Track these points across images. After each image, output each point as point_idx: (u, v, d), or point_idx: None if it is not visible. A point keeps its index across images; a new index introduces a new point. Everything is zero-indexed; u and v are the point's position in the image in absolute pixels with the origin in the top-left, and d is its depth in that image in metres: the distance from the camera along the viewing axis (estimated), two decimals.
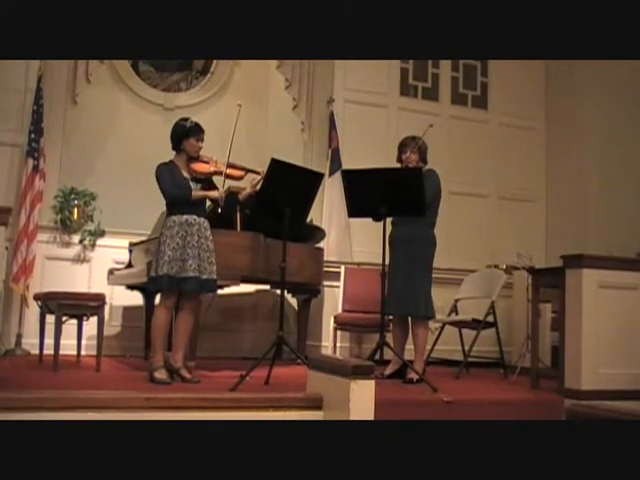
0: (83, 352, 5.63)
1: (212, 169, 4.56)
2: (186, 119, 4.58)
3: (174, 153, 4.57)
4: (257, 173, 4.69)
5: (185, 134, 4.50)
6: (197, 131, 4.52)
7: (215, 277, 4.50)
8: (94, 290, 5.90)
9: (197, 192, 4.47)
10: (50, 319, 5.17)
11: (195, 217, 4.45)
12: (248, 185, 4.75)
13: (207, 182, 4.60)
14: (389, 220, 4.94)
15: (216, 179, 4.64)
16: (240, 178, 4.70)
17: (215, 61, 7.78)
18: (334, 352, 6.21)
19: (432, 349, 5.85)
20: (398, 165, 5.12)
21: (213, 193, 4.51)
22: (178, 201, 4.44)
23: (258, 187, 4.67)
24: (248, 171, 4.71)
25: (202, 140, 4.55)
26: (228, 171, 4.57)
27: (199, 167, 4.53)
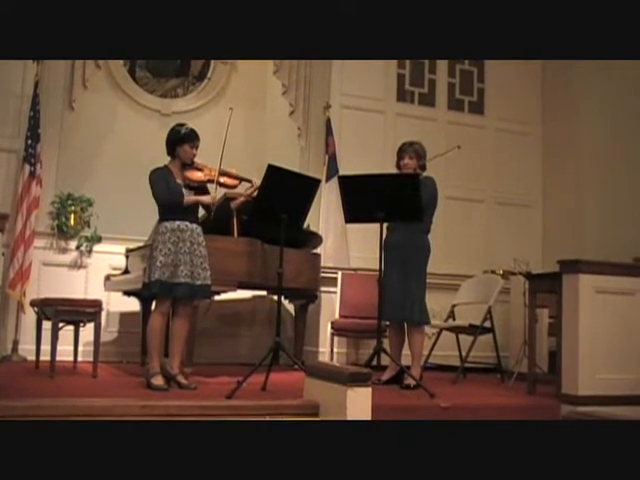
0: (80, 358, 5.62)
1: (205, 177, 4.56)
2: (182, 125, 4.58)
3: (169, 158, 4.57)
4: (250, 182, 4.71)
5: (179, 140, 4.50)
6: (192, 138, 4.52)
7: (209, 283, 4.49)
8: (91, 296, 5.89)
9: (189, 197, 4.45)
10: (47, 325, 5.16)
11: (187, 223, 4.45)
12: (242, 192, 4.75)
13: (200, 189, 4.59)
14: (385, 225, 4.95)
15: (210, 187, 4.63)
16: (234, 187, 4.72)
17: (212, 67, 7.78)
18: (331, 358, 6.21)
19: (429, 355, 5.84)
20: (396, 171, 5.13)
21: (205, 198, 4.49)
22: (170, 206, 4.43)
23: (252, 195, 4.69)
24: (242, 179, 4.72)
25: (197, 147, 4.54)
26: (221, 179, 4.58)
27: (192, 175, 4.53)
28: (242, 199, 4.74)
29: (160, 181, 4.43)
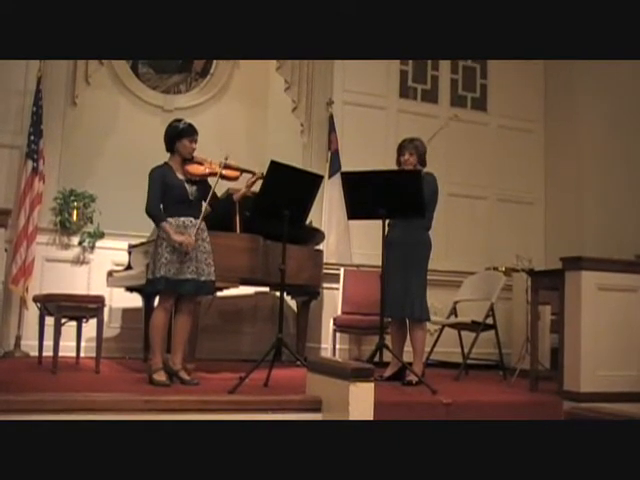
0: (82, 354, 5.63)
1: (207, 170, 4.55)
2: (179, 120, 4.57)
3: (169, 155, 4.57)
4: (252, 173, 4.70)
5: (178, 135, 4.50)
6: (190, 132, 4.51)
7: (213, 279, 4.50)
8: (93, 292, 5.91)
9: (168, 228, 4.33)
10: (49, 321, 5.17)
11: (192, 219, 4.45)
12: (243, 185, 4.76)
13: (202, 183, 4.58)
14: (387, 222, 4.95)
15: (211, 180, 4.63)
16: (235, 179, 4.70)
17: (215, 63, 7.78)
18: (333, 354, 6.22)
19: (431, 351, 5.85)
20: (396, 167, 5.12)
21: (182, 239, 4.32)
22: (150, 218, 4.44)
23: (253, 187, 4.69)
24: (243, 171, 4.71)
25: (195, 141, 4.53)
26: (223, 172, 4.57)
27: (193, 169, 4.53)
28: (244, 191, 4.75)
29: (155, 187, 4.40)
